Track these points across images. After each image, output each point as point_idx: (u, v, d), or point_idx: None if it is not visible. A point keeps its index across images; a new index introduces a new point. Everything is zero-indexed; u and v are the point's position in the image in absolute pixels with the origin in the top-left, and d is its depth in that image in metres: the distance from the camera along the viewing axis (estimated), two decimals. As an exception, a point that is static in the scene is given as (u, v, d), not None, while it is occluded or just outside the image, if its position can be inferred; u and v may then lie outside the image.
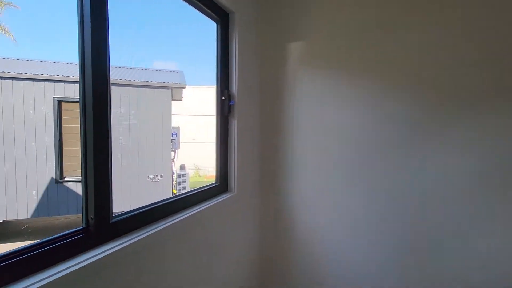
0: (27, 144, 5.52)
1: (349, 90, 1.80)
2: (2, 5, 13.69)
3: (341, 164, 1.85)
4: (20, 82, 5.44)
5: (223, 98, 1.68)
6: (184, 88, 6.73)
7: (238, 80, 1.72)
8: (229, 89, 1.72)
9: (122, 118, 6.06)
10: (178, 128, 7.43)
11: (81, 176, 0.93)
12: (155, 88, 6.35)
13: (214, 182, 1.73)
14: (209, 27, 1.64)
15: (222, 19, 1.63)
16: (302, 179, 1.99)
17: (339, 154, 1.85)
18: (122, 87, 6.05)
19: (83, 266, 0.85)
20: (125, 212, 1.08)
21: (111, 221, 1.01)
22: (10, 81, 5.42)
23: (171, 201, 1.31)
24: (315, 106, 1.91)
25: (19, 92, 5.45)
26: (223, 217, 1.67)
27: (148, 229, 1.12)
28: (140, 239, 1.05)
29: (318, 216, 1.95)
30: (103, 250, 0.93)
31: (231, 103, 1.69)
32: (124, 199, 6.15)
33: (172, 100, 6.63)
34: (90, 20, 0.89)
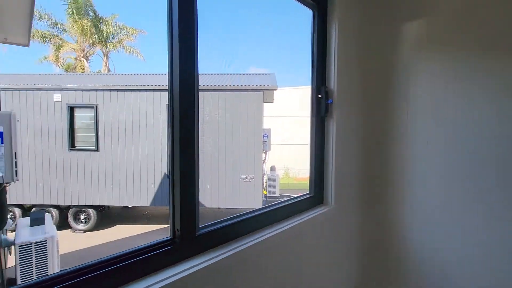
0: (148, 144, 6.61)
1: (495, 84, 1.29)
2: (135, 32, 16.93)
3: (477, 179, 1.34)
4: (144, 93, 6.57)
5: (319, 95, 1.44)
6: (276, 90, 6.75)
7: (337, 74, 1.46)
8: (326, 85, 1.47)
9: (219, 120, 6.55)
10: (269, 129, 7.54)
11: (169, 184, 0.88)
12: (248, 91, 6.59)
13: (308, 192, 1.52)
14: (301, 26, 1.44)
15: (319, 4, 1.41)
16: (418, 195, 1.56)
17: (474, 166, 1.35)
18: (219, 92, 6.54)
19: (170, 283, 0.79)
20: (211, 224, 1.00)
21: (197, 233, 0.93)
22: (137, 92, 6.61)
23: (260, 214, 1.17)
24: (438, 102, 1.46)
25: (143, 101, 6.59)
26: (318, 234, 1.43)
27: (236, 245, 1.01)
28: (227, 256, 0.94)
29: (441, 246, 1.48)
30: (188, 266, 0.86)
31: (329, 102, 1.44)
32: (220, 196, 6.62)
33: (264, 102, 6.76)
34: (178, 32, 0.84)
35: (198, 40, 0.91)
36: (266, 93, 6.73)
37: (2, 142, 2.31)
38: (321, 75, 1.47)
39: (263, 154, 6.95)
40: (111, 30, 15.01)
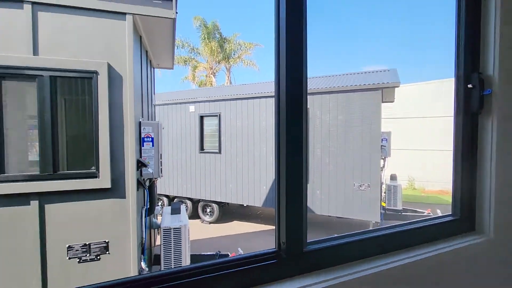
0: (261, 148, 7.04)
1: None
2: (252, 46, 18.70)
3: None
4: (257, 100, 7.07)
5: (469, 85, 1.08)
6: (397, 87, 5.89)
7: (500, 54, 1.05)
8: (480, 71, 1.09)
9: (330, 123, 6.26)
10: (389, 133, 6.64)
11: (274, 192, 0.82)
12: (363, 91, 6.02)
13: (449, 214, 1.16)
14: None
15: (470, -37, 1.05)
16: None
17: None
18: (330, 94, 6.25)
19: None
20: (320, 240, 0.87)
21: (304, 249, 0.82)
22: (252, 100, 7.17)
23: (382, 235, 0.96)
24: None
25: (257, 107, 7.09)
26: (466, 273, 1.06)
27: (351, 270, 0.84)
28: (340, 282, 0.80)
29: None
30: (295, 287, 0.76)
31: (485, 93, 1.05)
32: (330, 204, 6.29)
33: (383, 102, 6.00)
34: (285, 36, 0.79)
35: (307, 41, 0.82)
36: (385, 91, 5.96)
37: (152, 146, 2.92)
38: (471, 59, 1.10)
39: (382, 161, 6.16)
40: (233, 48, 17.13)
